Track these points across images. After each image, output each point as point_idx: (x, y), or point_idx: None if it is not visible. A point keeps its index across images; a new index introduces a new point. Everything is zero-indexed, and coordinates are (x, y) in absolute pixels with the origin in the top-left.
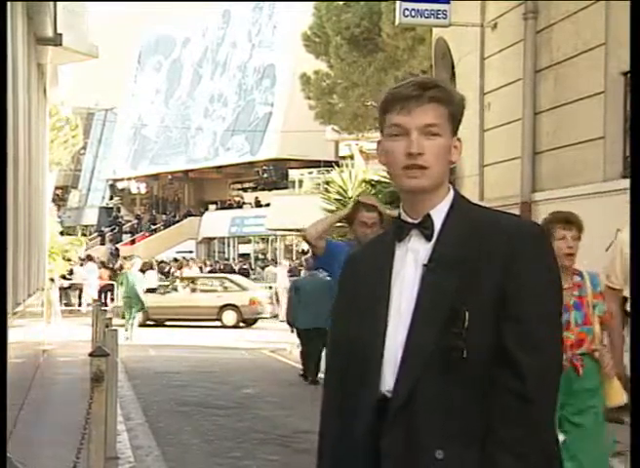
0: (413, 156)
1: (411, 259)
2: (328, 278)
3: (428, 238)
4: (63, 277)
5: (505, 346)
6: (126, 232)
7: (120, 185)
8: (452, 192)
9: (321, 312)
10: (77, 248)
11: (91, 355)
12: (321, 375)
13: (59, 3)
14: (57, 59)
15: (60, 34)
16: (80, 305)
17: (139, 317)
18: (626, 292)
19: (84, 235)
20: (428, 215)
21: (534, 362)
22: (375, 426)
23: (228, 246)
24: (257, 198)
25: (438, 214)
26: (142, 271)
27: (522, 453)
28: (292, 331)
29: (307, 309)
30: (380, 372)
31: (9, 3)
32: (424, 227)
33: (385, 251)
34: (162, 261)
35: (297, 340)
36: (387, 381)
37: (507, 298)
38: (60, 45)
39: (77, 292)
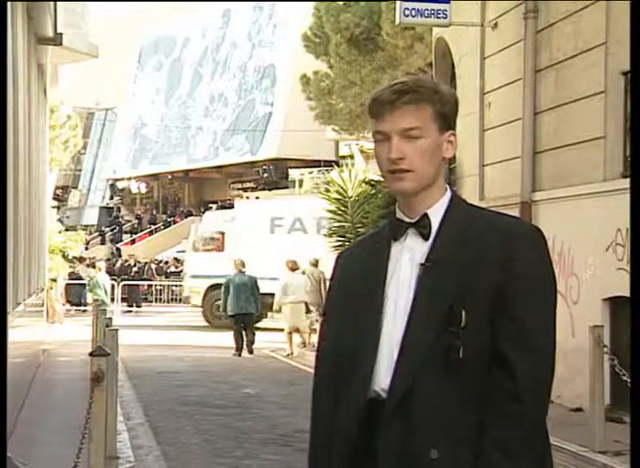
0: (394, 161)
1: (407, 258)
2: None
3: (426, 237)
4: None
5: (500, 346)
6: (126, 232)
7: (120, 185)
8: (449, 192)
9: (245, 301)
10: (75, 244)
11: (91, 355)
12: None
13: (59, 3)
14: (57, 59)
15: (61, 34)
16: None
17: None
18: None
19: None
20: (426, 215)
21: (528, 363)
22: (368, 425)
23: None
24: (257, 198)
25: (435, 214)
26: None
27: (515, 453)
28: (225, 317)
29: (235, 299)
30: (374, 371)
31: (9, 3)
32: (422, 226)
33: (380, 248)
34: (161, 261)
35: (296, 341)
36: (382, 380)
37: (505, 298)
38: (61, 45)
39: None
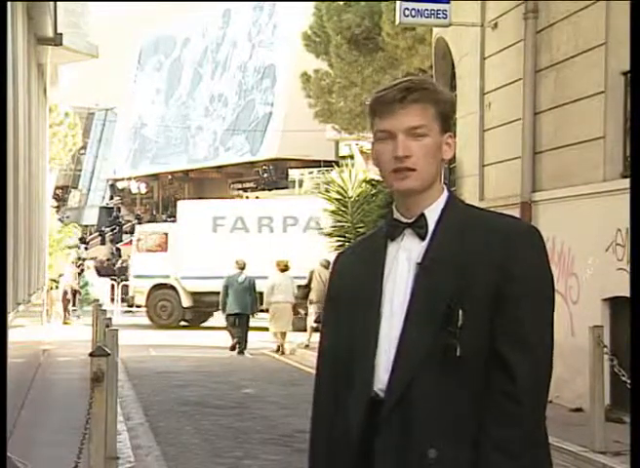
0: (400, 159)
1: (404, 258)
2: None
3: (422, 237)
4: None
5: (499, 346)
6: (126, 232)
7: (120, 185)
8: (445, 192)
9: (244, 302)
10: (70, 238)
11: (91, 355)
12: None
13: (59, 3)
14: (57, 59)
15: (61, 34)
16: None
17: None
18: None
19: (83, 239)
20: (422, 215)
21: (527, 364)
22: (367, 425)
23: None
24: (257, 198)
25: (432, 214)
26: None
27: (515, 453)
28: (224, 317)
29: (235, 299)
30: (373, 371)
31: (9, 3)
32: (419, 226)
33: (377, 249)
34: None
35: (297, 340)
36: (381, 379)
37: (503, 299)
38: (61, 45)
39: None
